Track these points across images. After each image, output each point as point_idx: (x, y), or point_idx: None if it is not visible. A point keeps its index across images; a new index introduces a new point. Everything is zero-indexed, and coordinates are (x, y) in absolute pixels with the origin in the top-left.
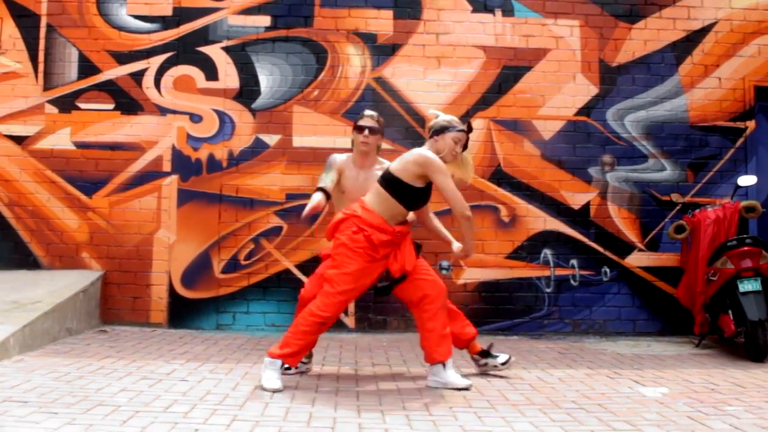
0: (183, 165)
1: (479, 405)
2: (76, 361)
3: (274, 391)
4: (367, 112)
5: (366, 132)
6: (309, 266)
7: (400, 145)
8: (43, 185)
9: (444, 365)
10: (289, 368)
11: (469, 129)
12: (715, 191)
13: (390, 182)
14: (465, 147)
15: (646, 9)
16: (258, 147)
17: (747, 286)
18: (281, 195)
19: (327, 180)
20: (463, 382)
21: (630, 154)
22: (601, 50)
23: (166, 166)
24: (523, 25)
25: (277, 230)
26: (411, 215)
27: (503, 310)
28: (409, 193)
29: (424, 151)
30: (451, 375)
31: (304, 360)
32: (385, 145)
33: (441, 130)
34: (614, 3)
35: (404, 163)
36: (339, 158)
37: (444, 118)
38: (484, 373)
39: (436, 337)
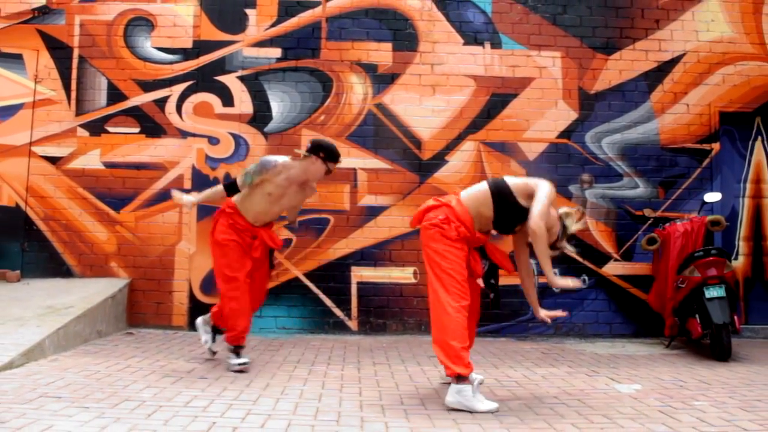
0: (202, 183)
1: None
2: (105, 360)
3: (494, 410)
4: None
5: (337, 166)
6: (316, 274)
7: (398, 165)
8: (76, 201)
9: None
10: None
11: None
12: (684, 207)
13: (500, 192)
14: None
15: (621, 41)
16: None
17: (712, 292)
18: None
19: (248, 180)
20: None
21: (606, 173)
22: (580, 79)
23: (187, 184)
24: (509, 57)
25: (287, 242)
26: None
27: (492, 314)
28: (509, 209)
29: (549, 184)
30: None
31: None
32: (383, 165)
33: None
34: (592, 36)
35: (526, 181)
36: (279, 164)
37: (565, 219)
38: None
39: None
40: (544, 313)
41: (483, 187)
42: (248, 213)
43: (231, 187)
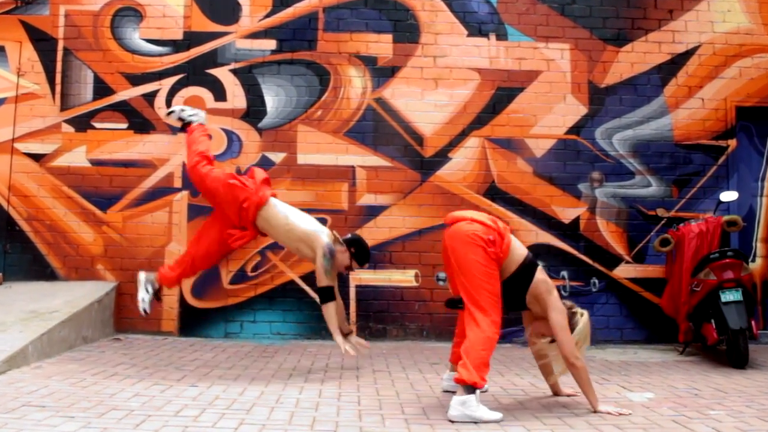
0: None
1: None
2: (92, 367)
3: (499, 420)
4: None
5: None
6: (313, 278)
7: (399, 162)
8: (60, 200)
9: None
10: None
11: None
12: (699, 206)
13: (525, 273)
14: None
15: (633, 33)
16: (264, 164)
17: (729, 296)
18: None
19: (332, 276)
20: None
21: (617, 171)
22: (590, 72)
23: (177, 183)
24: (516, 49)
25: None
26: None
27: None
28: (514, 289)
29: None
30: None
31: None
32: (383, 162)
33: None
34: (602, 27)
35: (541, 287)
36: (331, 239)
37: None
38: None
39: None
40: (569, 391)
41: (523, 252)
42: (260, 220)
43: (330, 294)
